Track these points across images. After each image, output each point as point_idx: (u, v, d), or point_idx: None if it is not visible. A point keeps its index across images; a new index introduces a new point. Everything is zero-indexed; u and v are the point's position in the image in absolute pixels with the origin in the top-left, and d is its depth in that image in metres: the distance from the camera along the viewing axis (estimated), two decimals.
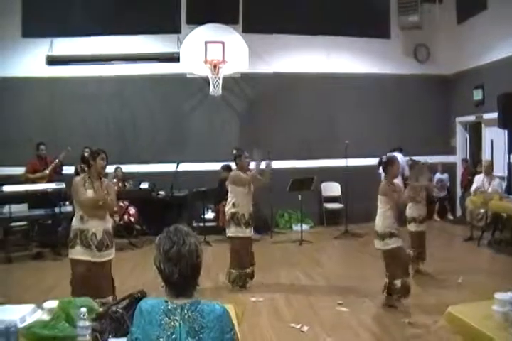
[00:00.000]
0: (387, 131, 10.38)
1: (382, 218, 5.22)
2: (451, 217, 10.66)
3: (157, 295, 2.13)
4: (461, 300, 3.85)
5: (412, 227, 6.53)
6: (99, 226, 4.56)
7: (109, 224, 4.68)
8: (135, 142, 9.98)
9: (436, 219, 10.58)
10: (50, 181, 8.39)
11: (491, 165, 8.45)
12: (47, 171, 8.68)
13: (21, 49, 9.65)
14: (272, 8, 10.23)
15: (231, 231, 6.14)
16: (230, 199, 6.22)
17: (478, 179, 8.54)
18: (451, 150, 11.11)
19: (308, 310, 5.33)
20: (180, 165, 9.07)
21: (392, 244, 5.19)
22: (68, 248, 4.59)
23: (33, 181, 8.47)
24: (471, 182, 9.07)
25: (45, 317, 2.73)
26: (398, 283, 5.18)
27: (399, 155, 9.69)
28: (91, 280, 4.44)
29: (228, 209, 6.18)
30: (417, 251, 6.51)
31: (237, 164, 6.33)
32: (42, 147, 8.75)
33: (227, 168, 8.73)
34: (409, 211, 6.54)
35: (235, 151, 6.43)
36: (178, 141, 10.09)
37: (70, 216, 7.65)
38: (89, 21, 9.59)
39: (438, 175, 10.61)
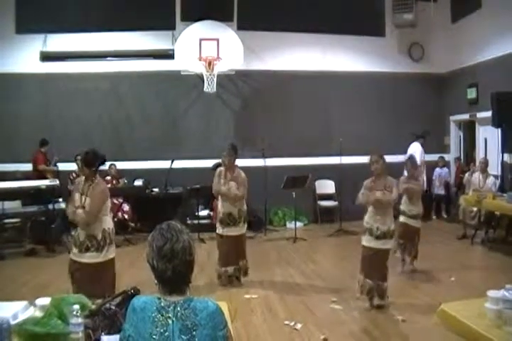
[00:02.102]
0: (382, 129, 10.39)
1: (390, 216, 5.24)
2: (445, 216, 10.68)
3: (151, 292, 2.12)
4: (454, 298, 3.86)
5: (400, 218, 6.60)
6: (81, 230, 4.56)
7: (93, 230, 4.59)
8: (129, 139, 9.96)
9: (433, 217, 10.60)
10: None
11: (486, 163, 8.48)
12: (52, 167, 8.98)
13: (15, 45, 9.58)
14: (267, 5, 10.21)
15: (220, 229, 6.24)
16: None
17: (474, 176, 8.63)
18: (445, 149, 11.13)
19: (301, 308, 5.33)
20: (174, 162, 9.05)
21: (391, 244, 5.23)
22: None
23: (43, 175, 8.64)
24: (462, 181, 9.23)
25: (38, 314, 2.71)
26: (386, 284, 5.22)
27: (417, 145, 9.81)
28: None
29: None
30: (406, 245, 6.57)
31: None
32: (48, 144, 9.02)
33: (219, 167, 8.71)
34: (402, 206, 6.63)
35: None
36: (173, 138, 10.06)
37: (63, 213, 7.71)
38: (84, 18, 9.57)
39: (437, 170, 10.63)
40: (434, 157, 10.70)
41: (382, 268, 5.19)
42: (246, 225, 6.30)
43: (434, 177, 10.54)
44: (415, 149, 9.91)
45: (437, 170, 10.62)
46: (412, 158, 6.89)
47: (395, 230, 5.29)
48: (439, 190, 10.61)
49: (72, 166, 8.38)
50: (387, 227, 5.15)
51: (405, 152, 9.40)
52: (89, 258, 4.50)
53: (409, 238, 6.55)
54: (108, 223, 4.58)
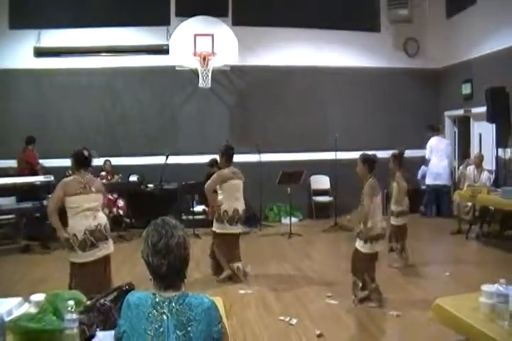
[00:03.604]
0: (377, 125, 10.40)
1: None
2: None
3: (146, 288, 2.12)
4: (449, 293, 3.88)
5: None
6: None
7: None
8: (124, 135, 9.92)
9: (422, 210, 10.56)
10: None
11: (480, 158, 8.50)
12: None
13: (9, 41, 9.52)
14: (262, 0, 10.21)
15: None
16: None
17: (469, 169, 8.64)
18: None
19: (297, 303, 5.34)
20: (169, 157, 9.04)
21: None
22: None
23: (35, 171, 8.64)
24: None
25: (32, 310, 2.71)
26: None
27: (439, 139, 10.08)
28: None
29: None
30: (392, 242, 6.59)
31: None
32: (35, 142, 8.92)
33: (216, 163, 8.70)
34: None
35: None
36: (168, 133, 10.05)
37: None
38: (78, 13, 9.54)
39: (423, 168, 10.58)
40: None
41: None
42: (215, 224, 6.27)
43: (418, 175, 10.49)
44: (439, 143, 10.05)
45: (423, 167, 10.53)
46: (399, 155, 6.69)
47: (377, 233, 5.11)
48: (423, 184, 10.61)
49: (67, 162, 8.35)
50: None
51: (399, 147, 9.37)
52: None
53: (394, 236, 6.56)
54: (73, 228, 4.59)
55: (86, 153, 4.71)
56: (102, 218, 4.75)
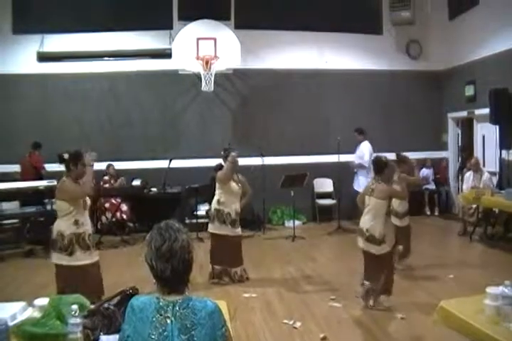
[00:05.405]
0: (379, 127, 10.36)
1: (382, 221, 5.03)
2: (436, 213, 10.67)
3: (150, 292, 2.12)
4: (453, 295, 3.86)
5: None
6: (90, 228, 4.61)
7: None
8: (127, 139, 9.92)
9: (426, 212, 10.59)
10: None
11: (477, 162, 8.45)
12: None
13: (12, 46, 9.56)
14: (264, 4, 10.21)
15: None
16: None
17: (468, 177, 8.56)
18: (443, 146, 11.13)
19: (301, 306, 5.33)
20: (172, 161, 9.04)
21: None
22: (62, 254, 4.53)
23: (41, 176, 8.71)
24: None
25: (36, 314, 2.71)
26: None
27: (368, 144, 9.53)
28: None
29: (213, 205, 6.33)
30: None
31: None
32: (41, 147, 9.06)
33: (221, 168, 8.66)
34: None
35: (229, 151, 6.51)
36: (171, 137, 10.06)
37: None
38: (81, 18, 9.55)
39: (424, 170, 10.61)
40: (431, 154, 10.74)
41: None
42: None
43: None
44: (366, 149, 9.41)
45: (424, 169, 10.58)
46: (399, 155, 6.70)
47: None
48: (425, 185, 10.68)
49: None
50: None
51: (404, 150, 9.28)
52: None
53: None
54: (61, 226, 4.52)
55: (65, 156, 4.58)
56: (56, 227, 4.57)
